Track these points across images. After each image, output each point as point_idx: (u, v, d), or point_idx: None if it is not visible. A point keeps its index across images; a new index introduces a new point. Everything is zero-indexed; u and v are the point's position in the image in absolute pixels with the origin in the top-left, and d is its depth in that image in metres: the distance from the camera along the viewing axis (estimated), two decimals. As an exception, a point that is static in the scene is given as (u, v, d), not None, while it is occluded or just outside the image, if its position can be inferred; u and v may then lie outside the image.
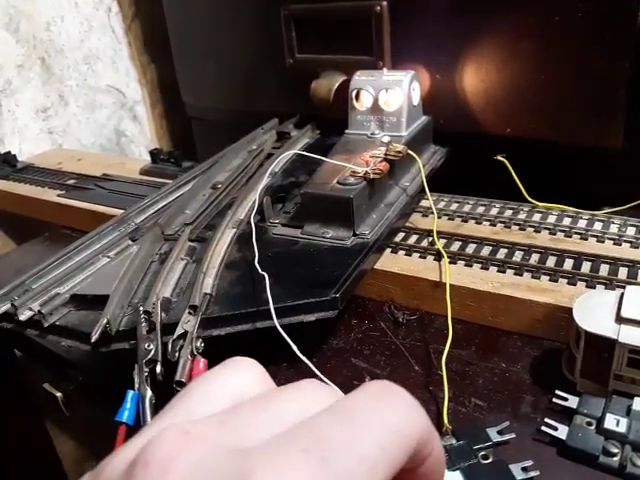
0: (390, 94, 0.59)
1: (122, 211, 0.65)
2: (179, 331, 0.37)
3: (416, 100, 0.60)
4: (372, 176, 0.48)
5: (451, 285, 0.44)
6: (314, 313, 0.40)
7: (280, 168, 0.65)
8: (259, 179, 0.60)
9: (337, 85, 0.70)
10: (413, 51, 0.65)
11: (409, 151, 0.53)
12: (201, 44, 0.88)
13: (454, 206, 0.56)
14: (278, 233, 0.51)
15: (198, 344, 0.36)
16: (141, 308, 0.39)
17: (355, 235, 0.48)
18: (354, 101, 0.61)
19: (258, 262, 0.44)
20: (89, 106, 0.97)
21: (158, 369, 0.34)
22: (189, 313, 0.39)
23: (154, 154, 0.75)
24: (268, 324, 0.38)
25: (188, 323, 0.38)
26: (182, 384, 0.33)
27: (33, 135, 0.90)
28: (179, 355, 0.35)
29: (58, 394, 0.43)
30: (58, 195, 0.72)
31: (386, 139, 0.55)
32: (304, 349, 0.38)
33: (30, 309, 0.43)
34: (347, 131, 0.62)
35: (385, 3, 0.64)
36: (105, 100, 0.99)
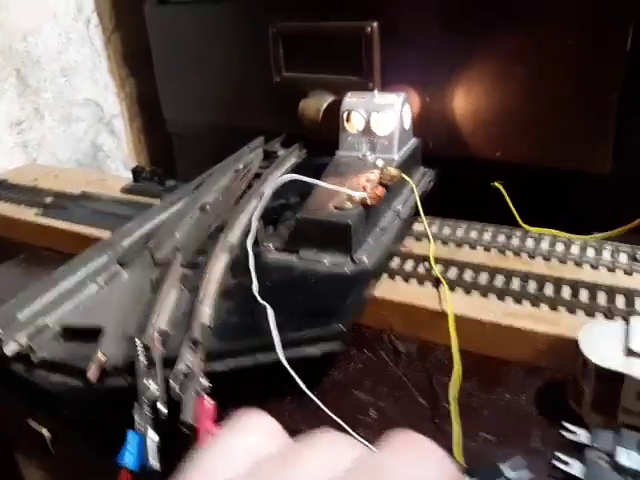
0: (382, 116, 0.59)
1: (104, 232, 0.63)
2: (181, 367, 0.35)
3: (407, 123, 0.60)
4: (369, 202, 0.48)
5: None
6: (318, 345, 0.39)
7: (270, 189, 0.63)
8: (249, 201, 0.59)
9: (326, 105, 0.70)
10: (403, 72, 0.65)
11: (404, 175, 0.53)
12: (184, 58, 0.86)
13: (446, 230, 0.56)
14: (273, 258, 0.50)
15: (202, 381, 0.34)
16: (138, 341, 0.37)
17: (353, 261, 0.47)
18: (345, 123, 0.61)
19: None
20: (65, 119, 0.94)
21: (161, 408, 0.33)
22: (189, 347, 0.37)
23: (136, 172, 0.73)
24: (272, 358, 0.37)
25: (188, 358, 0.36)
26: (188, 425, 0.32)
27: (6, 149, 0.86)
28: (183, 393, 0.33)
29: (45, 432, 0.41)
30: (36, 214, 0.70)
31: (380, 162, 0.55)
32: (302, 381, 0.37)
33: (16, 342, 0.41)
34: (338, 152, 0.61)
35: (375, 24, 0.64)
36: (82, 113, 0.96)
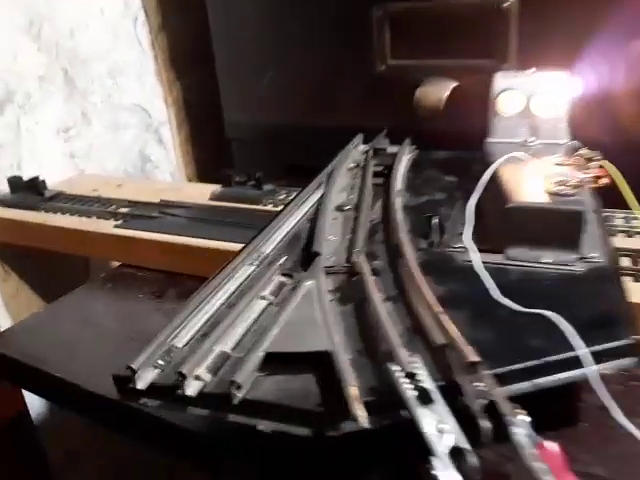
0: (545, 97, 0.51)
1: (205, 241, 0.54)
2: (480, 401, 0.25)
3: (570, 104, 0.53)
4: (597, 184, 0.39)
5: None
6: (613, 362, 0.30)
7: (402, 185, 0.55)
8: (393, 199, 0.51)
9: (448, 92, 0.62)
10: (546, 51, 0.57)
11: (605, 162, 0.45)
12: (254, 51, 0.78)
13: (634, 222, 0.48)
14: (470, 260, 0.41)
15: (523, 418, 0.25)
16: (397, 368, 0.27)
17: (583, 258, 0.38)
18: (498, 106, 0.52)
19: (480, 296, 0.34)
20: (113, 126, 0.83)
21: (473, 461, 0.23)
22: (466, 372, 0.28)
23: (228, 176, 0.64)
24: (577, 377, 0.28)
25: (473, 386, 0.27)
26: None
27: (55, 159, 0.76)
28: (512, 437, 0.24)
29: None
30: (116, 226, 0.59)
31: (576, 145, 0.47)
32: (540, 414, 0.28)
33: (197, 378, 0.31)
34: (489, 140, 0.53)
35: (515, -2, 0.57)
36: (130, 120, 0.86)
